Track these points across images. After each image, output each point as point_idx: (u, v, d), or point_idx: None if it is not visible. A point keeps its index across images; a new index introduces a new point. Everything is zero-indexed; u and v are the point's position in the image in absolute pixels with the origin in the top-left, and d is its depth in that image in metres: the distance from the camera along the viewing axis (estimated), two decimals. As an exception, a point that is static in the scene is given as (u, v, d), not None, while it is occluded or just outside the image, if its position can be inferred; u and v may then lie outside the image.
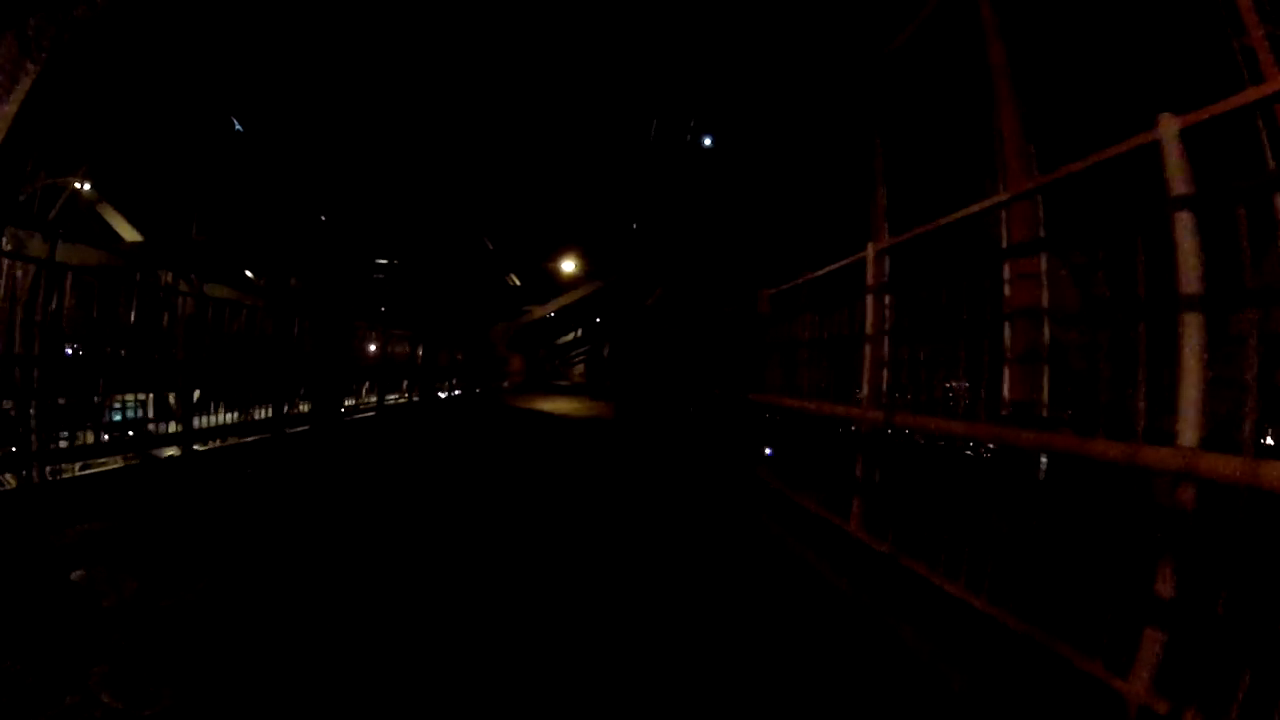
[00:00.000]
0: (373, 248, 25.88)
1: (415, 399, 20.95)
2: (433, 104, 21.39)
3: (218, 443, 10.19)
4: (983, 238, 7.36)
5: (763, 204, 12.92)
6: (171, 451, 9.14)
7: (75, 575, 3.86)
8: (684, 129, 20.46)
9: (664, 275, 23.46)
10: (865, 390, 4.65)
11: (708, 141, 18.96)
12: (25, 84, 5.30)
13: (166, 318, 9.16)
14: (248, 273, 25.02)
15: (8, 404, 7.39)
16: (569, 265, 30.85)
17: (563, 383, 50.72)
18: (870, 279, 4.76)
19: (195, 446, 9.63)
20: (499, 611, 3.57)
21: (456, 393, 27.41)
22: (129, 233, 22.31)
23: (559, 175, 26.72)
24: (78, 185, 20.57)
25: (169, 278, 9.84)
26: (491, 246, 27.98)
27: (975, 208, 4.01)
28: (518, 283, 32.32)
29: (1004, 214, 6.06)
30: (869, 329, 4.72)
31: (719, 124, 16.15)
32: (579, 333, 51.36)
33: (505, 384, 36.53)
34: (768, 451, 6.75)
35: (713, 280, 15.38)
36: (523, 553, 4.70)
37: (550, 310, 30.78)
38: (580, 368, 62.43)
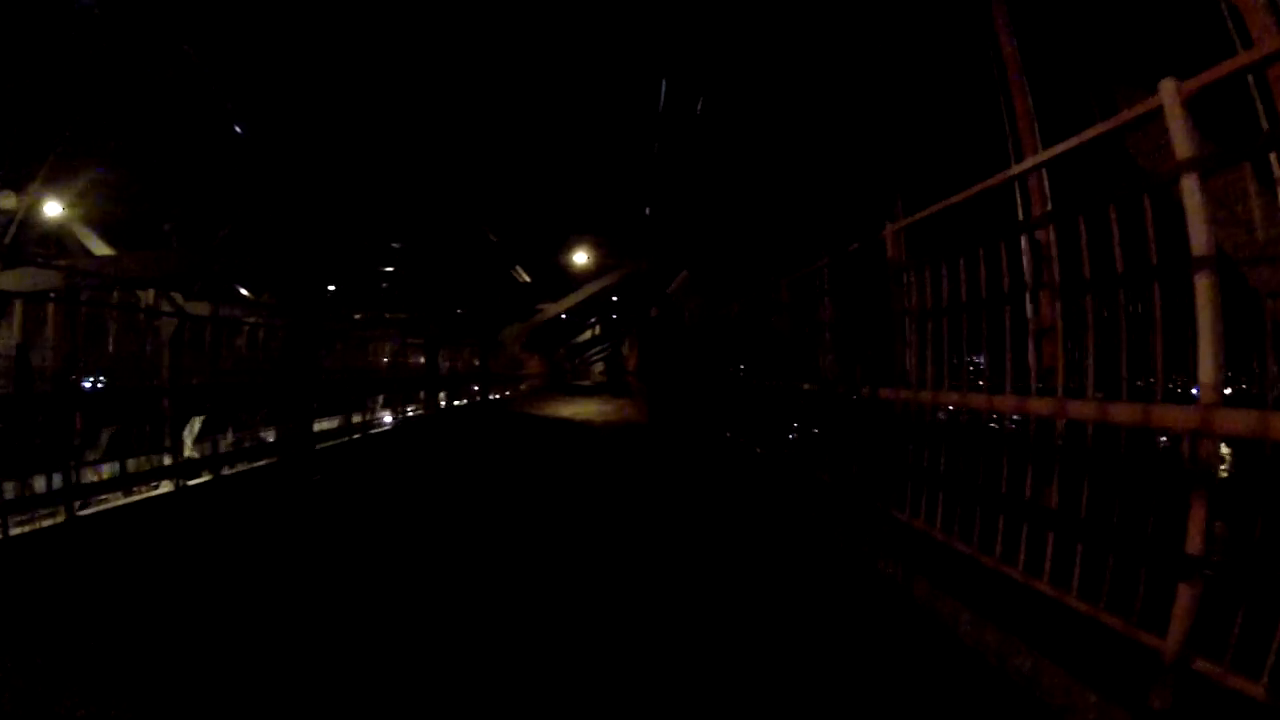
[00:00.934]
0: (353, 249, 23.79)
1: (421, 413, 18.96)
2: (410, 81, 19.14)
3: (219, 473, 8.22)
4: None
5: (813, 146, 10.51)
6: (168, 487, 7.80)
7: None
8: (695, 90, 18.01)
9: (687, 256, 21.12)
10: (1207, 374, 2.30)
11: (723, 104, 16.69)
12: None
13: (149, 341, 8.20)
14: (243, 290, 23.31)
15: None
16: (581, 257, 28.70)
17: (584, 383, 49.14)
18: (1187, 147, 2.44)
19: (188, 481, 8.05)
20: None
21: (468, 400, 25.49)
22: (105, 252, 20.59)
23: (558, 156, 24.45)
24: (48, 205, 19.02)
25: (149, 297, 9.09)
26: (495, 239, 25.76)
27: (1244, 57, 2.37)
28: (526, 278, 30.27)
29: (1251, 79, 3.67)
30: (1201, 246, 2.37)
31: (738, 59, 13.57)
32: (597, 330, 49.36)
33: (523, 386, 34.71)
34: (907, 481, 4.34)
35: (752, 249, 13.02)
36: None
37: (564, 307, 28.77)
38: (600, 366, 60.43)
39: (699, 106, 18.17)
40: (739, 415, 8.97)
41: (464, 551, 4.84)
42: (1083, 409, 2.74)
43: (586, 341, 53.02)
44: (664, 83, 19.52)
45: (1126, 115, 2.65)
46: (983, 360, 3.62)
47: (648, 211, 27.91)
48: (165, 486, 8.23)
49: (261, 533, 5.71)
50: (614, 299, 33.06)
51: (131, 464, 8.24)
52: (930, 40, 6.93)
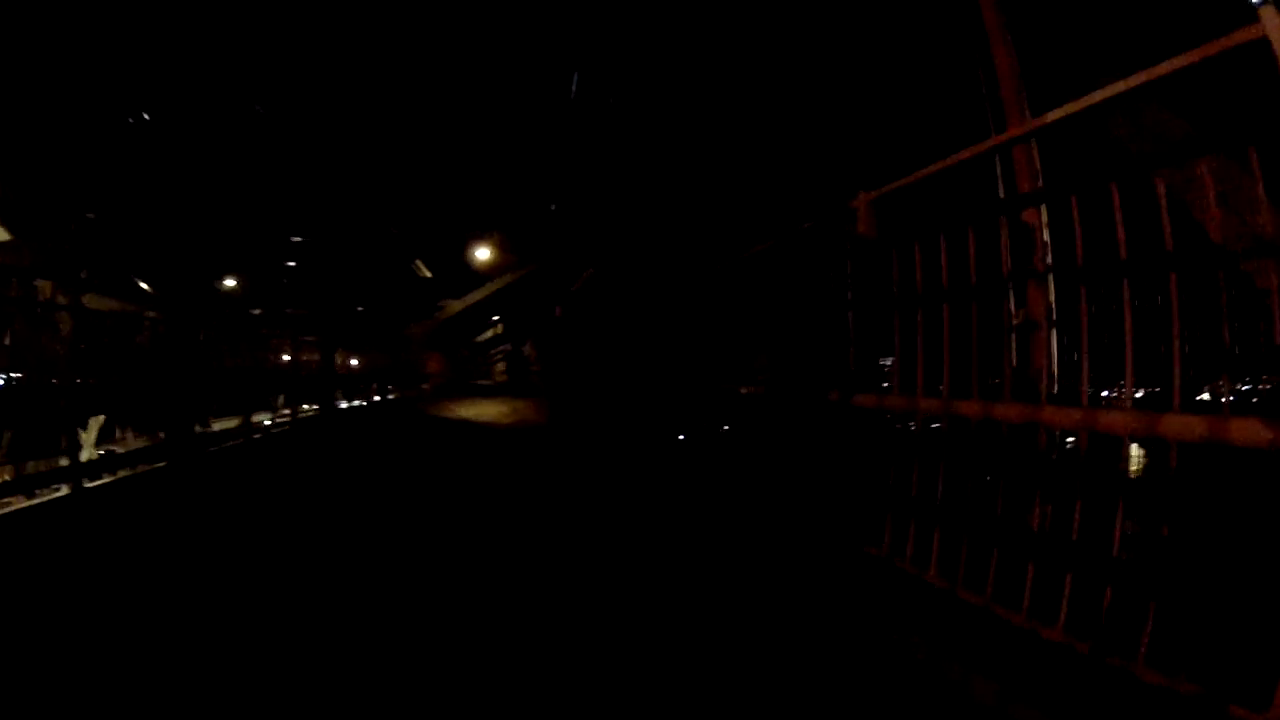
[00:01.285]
0: (251, 242, 22.41)
1: (315, 414, 17.91)
2: (312, 69, 18.02)
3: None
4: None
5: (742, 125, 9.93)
6: (65, 491, 7.21)
7: None
8: (609, 81, 17.40)
9: (594, 253, 20.47)
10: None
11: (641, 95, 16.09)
12: None
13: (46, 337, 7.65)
14: (143, 284, 21.68)
15: None
16: (484, 253, 27.92)
17: (485, 382, 48.11)
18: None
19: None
20: None
21: (367, 400, 24.41)
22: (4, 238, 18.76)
23: (461, 147, 23.48)
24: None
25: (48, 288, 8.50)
26: (396, 231, 24.62)
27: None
28: (428, 273, 29.31)
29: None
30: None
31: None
32: (499, 329, 48.55)
33: (426, 385, 33.65)
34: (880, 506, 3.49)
35: (663, 245, 12.36)
36: None
37: (466, 304, 28.01)
38: (502, 365, 59.20)
39: (611, 99, 17.49)
40: (656, 422, 8.16)
41: (340, 574, 4.04)
42: (1183, 426, 2.03)
43: (489, 340, 52.15)
44: (575, 74, 18.79)
45: (1223, 43, 1.97)
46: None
47: (553, 208, 27.13)
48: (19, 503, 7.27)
49: (121, 554, 4.98)
50: (517, 296, 32.36)
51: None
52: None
